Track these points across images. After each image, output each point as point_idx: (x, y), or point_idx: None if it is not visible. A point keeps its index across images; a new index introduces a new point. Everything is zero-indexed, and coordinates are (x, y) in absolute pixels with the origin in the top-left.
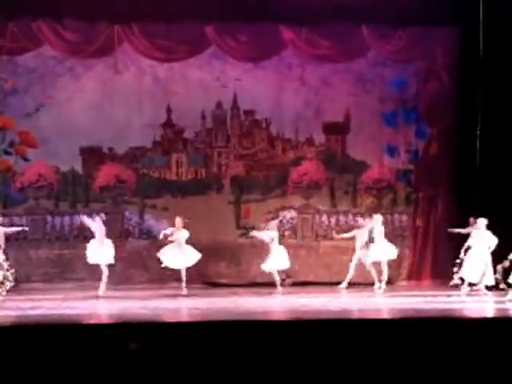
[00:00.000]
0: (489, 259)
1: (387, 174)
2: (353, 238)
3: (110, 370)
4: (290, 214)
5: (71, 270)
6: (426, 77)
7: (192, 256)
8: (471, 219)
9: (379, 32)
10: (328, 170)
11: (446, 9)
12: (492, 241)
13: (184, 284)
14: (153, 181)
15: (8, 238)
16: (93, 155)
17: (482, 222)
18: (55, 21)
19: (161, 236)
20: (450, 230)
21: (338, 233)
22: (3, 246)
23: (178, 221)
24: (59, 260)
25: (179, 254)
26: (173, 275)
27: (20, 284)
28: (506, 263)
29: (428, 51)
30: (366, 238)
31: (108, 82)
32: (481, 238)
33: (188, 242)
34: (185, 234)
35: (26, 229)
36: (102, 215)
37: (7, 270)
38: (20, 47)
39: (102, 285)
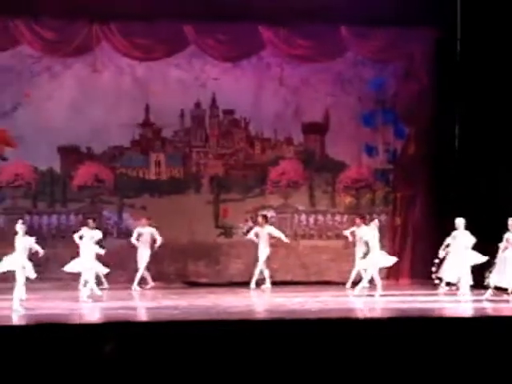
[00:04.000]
0: (467, 259)
1: (366, 174)
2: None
3: (89, 370)
4: (269, 214)
5: (49, 270)
6: (405, 77)
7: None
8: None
9: (358, 32)
10: (307, 169)
11: (424, 10)
12: (470, 240)
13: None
14: (131, 180)
15: None
16: (71, 154)
17: (461, 221)
18: (33, 19)
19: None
20: None
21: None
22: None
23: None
24: (37, 260)
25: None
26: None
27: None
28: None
29: (406, 51)
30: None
31: (86, 81)
32: (459, 238)
33: (167, 242)
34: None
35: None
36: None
37: None
38: None
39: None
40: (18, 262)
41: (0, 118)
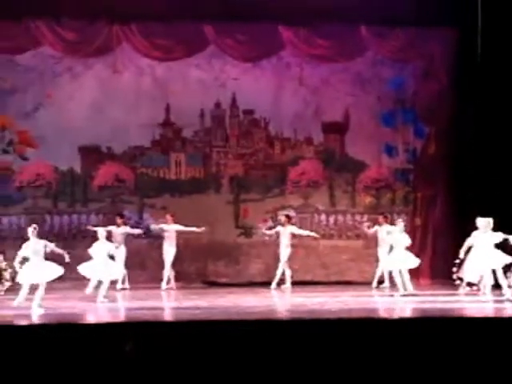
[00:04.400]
0: (488, 259)
1: (386, 174)
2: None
3: (109, 369)
4: (291, 213)
5: (69, 270)
6: (424, 76)
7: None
8: None
9: (378, 32)
10: (327, 169)
11: (444, 10)
12: (492, 240)
13: (101, 294)
14: (151, 180)
15: (6, 237)
16: (91, 154)
17: (481, 221)
18: (54, 20)
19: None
20: None
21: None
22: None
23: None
24: (57, 259)
25: (100, 266)
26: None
27: (18, 283)
28: None
29: (426, 51)
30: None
31: (107, 82)
32: (480, 238)
33: (187, 242)
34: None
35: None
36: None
37: (4, 270)
38: (19, 46)
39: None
40: (37, 270)
41: (22, 119)
